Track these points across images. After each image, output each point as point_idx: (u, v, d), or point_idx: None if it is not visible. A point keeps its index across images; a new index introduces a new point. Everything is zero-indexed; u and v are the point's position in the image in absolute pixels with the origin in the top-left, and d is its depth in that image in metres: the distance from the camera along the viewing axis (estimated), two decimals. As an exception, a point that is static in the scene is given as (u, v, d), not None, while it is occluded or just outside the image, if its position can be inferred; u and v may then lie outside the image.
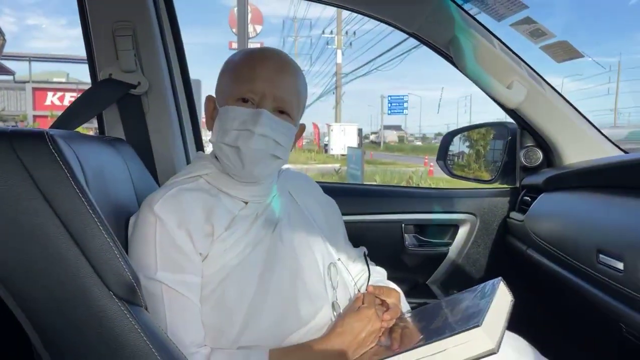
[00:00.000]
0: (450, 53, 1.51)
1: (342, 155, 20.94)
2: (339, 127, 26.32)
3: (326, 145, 28.14)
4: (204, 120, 1.12)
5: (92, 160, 0.92)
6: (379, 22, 1.58)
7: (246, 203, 1.03)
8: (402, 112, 28.82)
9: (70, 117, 1.34)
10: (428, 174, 13.41)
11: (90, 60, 1.47)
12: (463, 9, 1.44)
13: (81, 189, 0.73)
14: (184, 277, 0.91)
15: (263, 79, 0.98)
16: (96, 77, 1.46)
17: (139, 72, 1.45)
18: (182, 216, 0.93)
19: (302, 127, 1.10)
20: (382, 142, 41.55)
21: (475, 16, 1.47)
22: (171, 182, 1.03)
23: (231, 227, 0.97)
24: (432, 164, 13.48)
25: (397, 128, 63.01)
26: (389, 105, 28.00)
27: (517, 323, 1.10)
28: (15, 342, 0.93)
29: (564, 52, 1.38)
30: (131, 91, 1.45)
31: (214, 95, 1.06)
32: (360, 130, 22.87)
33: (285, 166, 1.12)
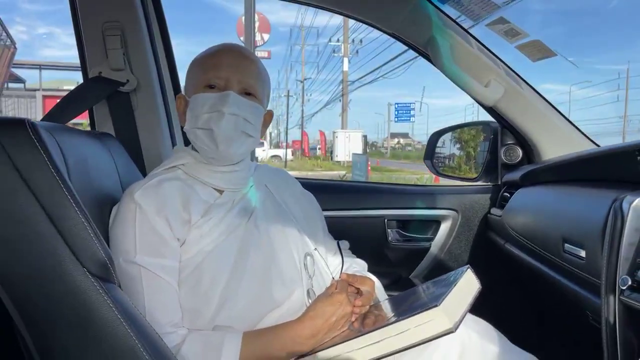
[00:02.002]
0: (428, 52, 1.55)
1: (349, 161, 20.97)
2: (343, 134, 26.38)
3: (331, 151, 28.22)
4: None
5: (76, 150, 0.97)
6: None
7: (221, 193, 1.08)
8: (409, 120, 28.81)
9: (59, 112, 1.40)
10: (434, 180, 13.35)
11: (82, 59, 1.54)
12: (440, 10, 1.48)
13: (58, 172, 0.77)
14: (162, 261, 0.96)
15: (227, 65, 1.05)
16: (87, 75, 1.52)
17: (127, 70, 1.51)
18: (161, 204, 0.98)
19: (270, 113, 1.16)
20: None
21: (452, 17, 1.51)
22: (152, 174, 1.08)
23: (207, 215, 1.02)
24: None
25: (405, 136, 62.98)
26: (396, 112, 27.98)
27: (495, 314, 1.14)
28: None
29: (538, 51, 1.41)
30: (120, 88, 1.51)
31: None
32: (365, 137, 22.88)
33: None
